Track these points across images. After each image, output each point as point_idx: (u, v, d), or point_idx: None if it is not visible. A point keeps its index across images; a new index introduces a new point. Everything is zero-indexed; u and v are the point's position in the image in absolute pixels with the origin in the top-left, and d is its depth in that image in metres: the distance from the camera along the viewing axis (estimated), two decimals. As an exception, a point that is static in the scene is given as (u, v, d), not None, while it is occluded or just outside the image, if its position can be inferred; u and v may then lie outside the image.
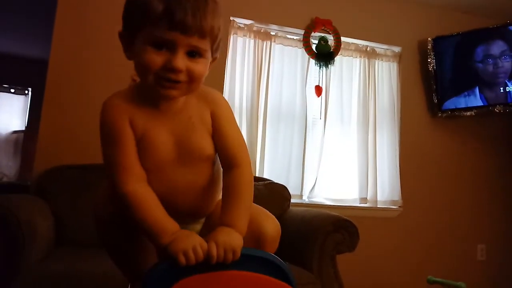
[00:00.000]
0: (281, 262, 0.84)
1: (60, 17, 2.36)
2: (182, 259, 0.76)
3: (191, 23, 0.78)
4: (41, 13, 3.41)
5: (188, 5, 0.78)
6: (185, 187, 0.93)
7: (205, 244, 0.79)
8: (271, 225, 0.97)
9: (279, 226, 1.00)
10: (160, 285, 0.76)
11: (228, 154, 0.92)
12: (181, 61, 0.80)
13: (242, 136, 0.96)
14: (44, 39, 2.89)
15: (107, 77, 2.41)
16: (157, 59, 0.80)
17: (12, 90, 5.06)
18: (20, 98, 5.11)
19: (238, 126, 0.98)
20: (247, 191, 0.91)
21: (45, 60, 2.41)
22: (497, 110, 2.81)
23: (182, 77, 0.82)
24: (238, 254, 0.79)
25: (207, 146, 0.92)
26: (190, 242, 0.78)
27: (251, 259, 0.81)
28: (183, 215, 0.93)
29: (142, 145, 0.87)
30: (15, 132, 5.07)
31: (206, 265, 0.78)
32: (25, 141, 4.98)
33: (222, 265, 0.79)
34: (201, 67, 0.83)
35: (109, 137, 0.87)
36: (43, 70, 2.36)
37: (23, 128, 5.07)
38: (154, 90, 0.83)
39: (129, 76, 2.56)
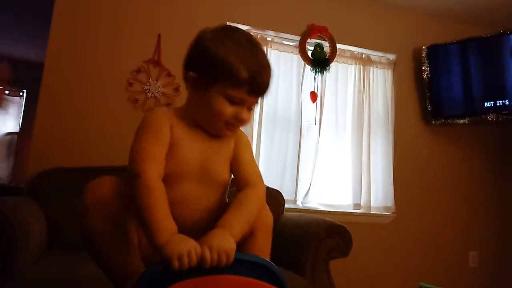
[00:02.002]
0: (274, 266, 0.84)
1: (56, 19, 2.37)
2: (176, 264, 0.77)
3: (266, 90, 0.97)
4: (38, 15, 3.41)
5: (266, 74, 0.95)
6: (196, 202, 1.00)
7: (199, 249, 0.79)
8: (265, 213, 1.03)
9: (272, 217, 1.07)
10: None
11: (245, 176, 1.04)
12: (246, 114, 0.97)
13: (257, 165, 1.11)
14: (40, 41, 2.89)
15: (102, 80, 2.41)
16: (229, 110, 0.94)
17: (7, 92, 5.04)
18: (15, 99, 5.08)
19: (254, 156, 1.11)
20: (253, 205, 0.97)
21: (40, 62, 2.41)
22: (490, 118, 2.84)
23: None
24: (232, 257, 0.80)
25: (226, 172, 1.04)
26: (186, 247, 0.78)
27: (244, 263, 0.82)
28: (185, 229, 0.94)
29: (173, 150, 0.96)
30: (9, 133, 5.04)
31: (199, 268, 0.78)
32: (19, 143, 4.95)
33: (216, 269, 0.79)
34: (251, 116, 1.01)
35: (148, 131, 0.95)
36: (39, 72, 2.35)
37: (17, 130, 5.04)
38: (213, 128, 0.98)
39: (126, 79, 2.57)
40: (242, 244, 0.95)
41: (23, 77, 4.53)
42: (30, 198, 1.98)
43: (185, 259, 0.77)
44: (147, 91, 2.46)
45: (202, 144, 1.00)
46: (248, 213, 0.94)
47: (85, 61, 2.39)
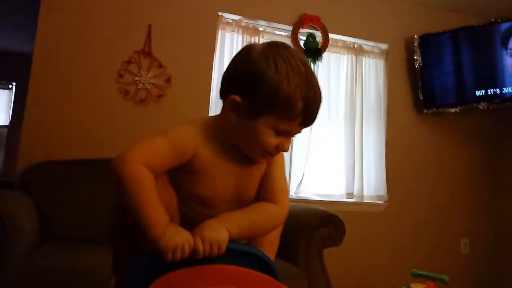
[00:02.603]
0: (265, 255, 0.84)
1: (44, 10, 2.32)
2: (169, 256, 0.76)
3: (315, 121, 0.87)
4: (25, 7, 3.35)
5: (319, 104, 0.85)
6: None
7: (192, 240, 0.79)
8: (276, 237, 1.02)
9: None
10: (144, 279, 0.76)
11: (273, 192, 0.94)
12: (288, 144, 0.87)
13: (287, 185, 1.00)
14: (28, 33, 2.84)
15: (92, 72, 2.38)
16: (274, 142, 0.84)
17: (-4, 85, 4.97)
18: (4, 92, 5.01)
19: (285, 175, 1.00)
20: (266, 215, 0.90)
21: (29, 54, 2.37)
22: (481, 107, 2.85)
23: None
24: (223, 248, 0.79)
25: (255, 191, 0.95)
26: (180, 239, 0.78)
27: (236, 253, 0.82)
28: None
29: (202, 177, 0.88)
30: (-1, 127, 4.99)
31: (191, 258, 0.78)
32: (9, 136, 4.89)
33: (208, 259, 0.79)
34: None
35: (166, 142, 0.85)
36: (27, 64, 2.32)
37: (7, 123, 4.98)
38: (250, 154, 0.88)
39: (116, 70, 2.54)
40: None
41: (12, 70, 4.47)
42: (21, 192, 1.97)
43: (178, 252, 0.77)
44: (138, 82, 2.44)
45: (235, 168, 0.91)
46: (257, 219, 0.89)
47: (74, 53, 2.36)
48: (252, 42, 0.95)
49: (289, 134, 0.86)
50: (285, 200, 0.96)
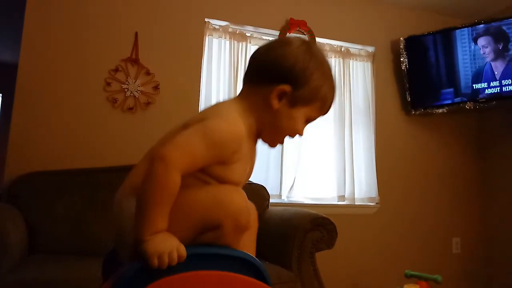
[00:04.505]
0: (256, 260, 0.84)
1: (28, 20, 2.30)
2: (154, 262, 0.75)
3: None
4: (10, 16, 3.32)
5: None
6: None
7: (182, 248, 0.77)
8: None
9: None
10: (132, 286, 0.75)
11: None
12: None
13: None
14: (14, 43, 2.81)
15: (79, 81, 2.37)
16: (301, 128, 0.97)
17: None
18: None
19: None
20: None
21: (15, 64, 2.34)
22: (467, 107, 2.89)
23: None
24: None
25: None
26: (168, 246, 0.76)
27: (226, 258, 0.81)
28: None
29: (237, 166, 0.90)
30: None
31: (177, 265, 0.76)
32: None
33: (196, 265, 0.78)
34: None
35: (215, 141, 0.84)
36: (14, 74, 2.29)
37: (-5, 135, 4.90)
38: (274, 140, 0.98)
39: (103, 79, 2.52)
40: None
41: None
42: (8, 203, 1.93)
43: (165, 259, 0.75)
44: (126, 90, 2.43)
45: (254, 153, 1.00)
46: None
47: (60, 61, 2.34)
48: (291, 38, 1.00)
49: (311, 121, 0.99)
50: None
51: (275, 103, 0.92)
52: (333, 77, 0.99)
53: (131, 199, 0.84)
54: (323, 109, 0.97)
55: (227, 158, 0.87)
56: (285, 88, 0.91)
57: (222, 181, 0.88)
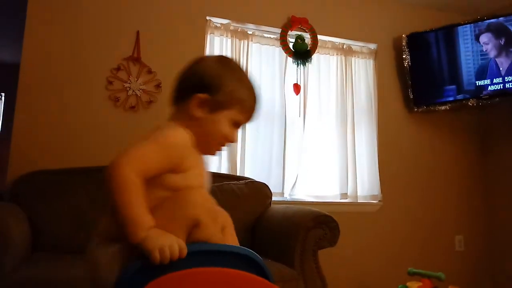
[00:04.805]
0: (256, 256, 0.84)
1: (30, 20, 2.31)
2: (156, 256, 0.75)
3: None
4: (12, 16, 3.32)
5: (259, 103, 1.06)
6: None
7: (181, 241, 0.78)
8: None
9: None
10: (133, 286, 0.75)
11: None
12: (237, 136, 1.06)
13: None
14: (16, 43, 2.82)
15: (81, 79, 2.37)
16: (229, 132, 1.01)
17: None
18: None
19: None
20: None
21: (17, 64, 2.35)
22: (470, 104, 2.88)
23: None
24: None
25: None
26: (167, 239, 0.77)
27: (227, 255, 0.81)
28: None
29: (196, 171, 0.97)
30: (-11, 138, 4.92)
31: (178, 263, 0.76)
32: (0, 147, 4.83)
33: (197, 261, 0.78)
34: None
35: (163, 145, 0.90)
36: (16, 74, 2.30)
37: (-2, 134, 4.93)
38: (208, 147, 1.02)
39: (105, 77, 2.53)
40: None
41: (1, 80, 4.42)
42: (12, 202, 1.94)
43: (167, 252, 0.76)
44: (128, 89, 2.43)
45: (204, 165, 1.04)
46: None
47: (62, 61, 2.34)
48: (205, 56, 1.08)
49: (239, 126, 1.04)
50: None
51: (197, 112, 0.98)
52: (251, 82, 1.03)
53: (103, 247, 0.86)
54: (245, 111, 1.01)
55: (178, 164, 0.92)
56: (201, 96, 0.97)
57: (185, 187, 0.92)
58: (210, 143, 1.02)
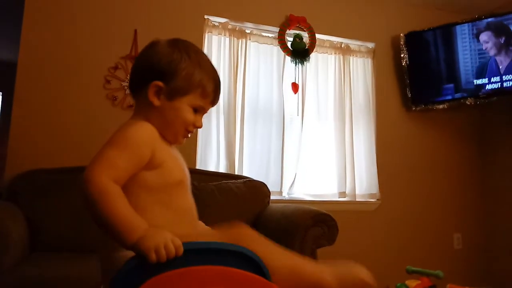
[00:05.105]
0: (254, 254, 0.83)
1: (27, 18, 2.30)
2: (153, 256, 0.75)
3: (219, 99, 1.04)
4: (9, 14, 3.32)
5: (220, 85, 1.03)
6: (194, 209, 1.01)
7: (176, 239, 0.77)
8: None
9: None
10: (129, 286, 0.74)
11: None
12: (201, 121, 1.02)
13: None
14: (13, 41, 2.81)
15: (78, 78, 2.36)
16: (192, 118, 0.98)
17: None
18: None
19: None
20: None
21: (14, 62, 2.34)
22: (468, 103, 2.88)
23: None
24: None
25: None
26: (161, 238, 0.76)
27: (224, 253, 0.81)
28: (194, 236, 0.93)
29: (169, 165, 0.94)
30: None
31: (175, 261, 0.76)
32: (-2, 146, 4.82)
33: (194, 260, 0.78)
34: None
35: (124, 147, 0.88)
36: (13, 73, 2.29)
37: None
38: (174, 136, 0.99)
39: (103, 76, 2.52)
40: None
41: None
42: (9, 201, 1.93)
43: (162, 252, 0.75)
44: (126, 88, 2.42)
45: (178, 155, 1.02)
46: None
47: (60, 59, 2.33)
48: (158, 39, 1.03)
49: (202, 111, 1.01)
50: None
51: (155, 100, 0.95)
52: (209, 64, 1.00)
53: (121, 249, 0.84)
54: (206, 96, 0.98)
55: (149, 159, 0.90)
56: (157, 83, 0.94)
57: (165, 185, 0.92)
58: (175, 131, 0.98)
